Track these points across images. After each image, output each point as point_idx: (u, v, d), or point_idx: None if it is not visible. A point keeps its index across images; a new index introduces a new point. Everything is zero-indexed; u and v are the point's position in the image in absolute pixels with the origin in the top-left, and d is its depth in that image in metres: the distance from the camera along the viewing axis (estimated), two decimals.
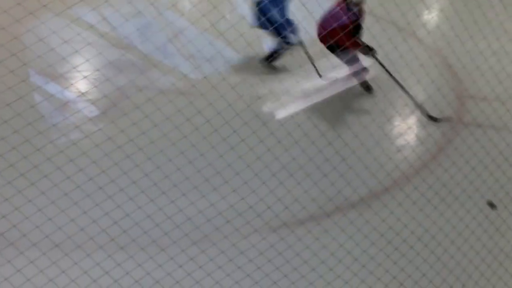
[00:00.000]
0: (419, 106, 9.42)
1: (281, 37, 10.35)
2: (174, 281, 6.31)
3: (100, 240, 6.50)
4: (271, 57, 10.89)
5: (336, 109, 7.88)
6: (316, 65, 10.07)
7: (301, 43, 10.33)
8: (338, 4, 9.65)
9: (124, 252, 6.51)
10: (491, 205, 8.25)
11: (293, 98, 8.68)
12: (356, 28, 9.72)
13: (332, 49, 9.60)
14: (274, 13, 9.86)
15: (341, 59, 9.74)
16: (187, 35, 9.14)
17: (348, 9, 9.53)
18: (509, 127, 7.96)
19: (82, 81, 9.05)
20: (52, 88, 9.69)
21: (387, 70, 9.50)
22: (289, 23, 10.27)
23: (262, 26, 10.21)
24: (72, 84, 9.01)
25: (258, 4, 10.38)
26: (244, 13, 9.80)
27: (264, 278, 6.56)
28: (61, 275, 6.04)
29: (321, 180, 7.41)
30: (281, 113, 9.15)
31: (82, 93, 8.73)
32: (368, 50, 9.75)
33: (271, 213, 6.91)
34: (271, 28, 9.85)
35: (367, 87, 10.39)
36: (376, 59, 9.71)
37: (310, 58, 10.22)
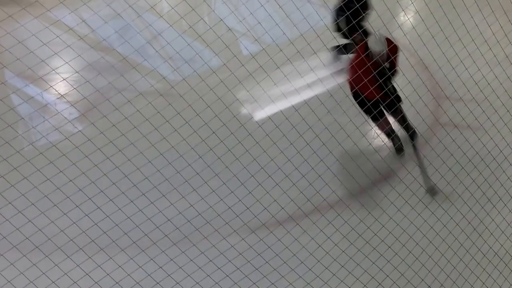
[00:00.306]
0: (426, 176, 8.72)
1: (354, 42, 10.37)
2: (154, 282, 6.34)
3: (80, 242, 6.51)
4: (342, 48, 10.71)
5: (314, 111, 7.90)
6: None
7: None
8: (361, 48, 8.73)
9: (104, 254, 6.53)
10: (432, 192, 8.34)
11: (271, 99, 8.69)
12: (383, 78, 8.59)
13: (362, 104, 8.54)
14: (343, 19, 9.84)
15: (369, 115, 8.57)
16: (166, 36, 9.15)
17: (367, 53, 8.42)
18: (484, 128, 8.03)
19: (61, 83, 9.03)
20: (31, 90, 9.69)
21: (408, 132, 8.98)
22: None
23: (339, 31, 10.25)
24: (51, 86, 9.00)
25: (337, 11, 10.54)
26: (222, 15, 9.80)
27: (244, 279, 6.60)
28: (41, 276, 6.06)
29: (299, 181, 7.45)
30: (260, 114, 9.18)
31: (62, 95, 8.71)
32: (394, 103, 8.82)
33: (250, 213, 6.94)
34: (340, 34, 9.90)
35: (398, 148, 9.44)
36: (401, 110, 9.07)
37: None
